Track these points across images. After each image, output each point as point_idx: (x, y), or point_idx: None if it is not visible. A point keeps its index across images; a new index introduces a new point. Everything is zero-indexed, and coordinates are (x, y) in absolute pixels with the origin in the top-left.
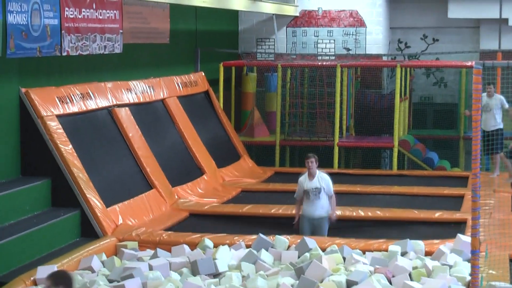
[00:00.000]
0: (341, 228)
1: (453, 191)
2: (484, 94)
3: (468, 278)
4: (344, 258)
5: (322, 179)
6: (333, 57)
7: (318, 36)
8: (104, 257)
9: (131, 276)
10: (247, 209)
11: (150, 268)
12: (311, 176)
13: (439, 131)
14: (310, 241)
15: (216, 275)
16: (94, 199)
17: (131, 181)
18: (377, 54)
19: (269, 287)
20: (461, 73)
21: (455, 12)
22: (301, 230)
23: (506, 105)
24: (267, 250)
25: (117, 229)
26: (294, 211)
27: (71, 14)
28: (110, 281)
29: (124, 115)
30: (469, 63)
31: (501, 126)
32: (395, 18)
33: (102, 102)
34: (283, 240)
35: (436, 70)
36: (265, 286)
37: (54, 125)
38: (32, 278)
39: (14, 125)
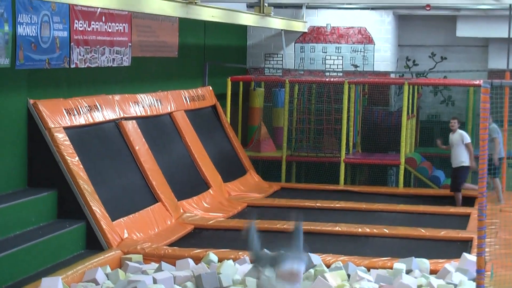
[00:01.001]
0: (346, 245)
1: (459, 210)
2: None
3: None
4: (348, 275)
5: None
6: (341, 74)
7: (326, 52)
8: (108, 269)
9: None
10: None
11: (154, 281)
12: None
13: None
14: (315, 258)
15: None
16: (100, 212)
17: (137, 194)
18: (385, 71)
19: None
20: (468, 92)
21: (463, 30)
22: None
23: (467, 141)
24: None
25: (122, 242)
26: None
27: (81, 27)
28: None
29: (131, 128)
30: (477, 82)
31: (466, 164)
32: (403, 35)
33: (109, 115)
34: None
35: (443, 88)
36: None
37: (61, 137)
38: None
39: (22, 136)
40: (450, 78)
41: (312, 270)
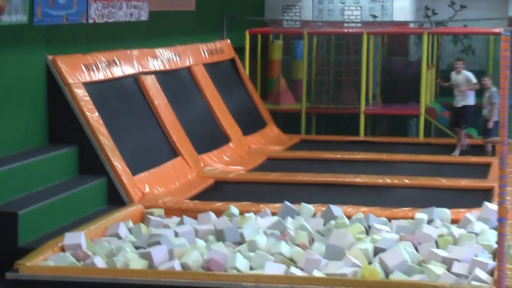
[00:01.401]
0: (367, 196)
1: (480, 159)
2: (453, 72)
3: (495, 246)
4: (369, 227)
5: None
6: (360, 25)
7: (344, 3)
8: (130, 224)
9: (157, 243)
10: (272, 176)
11: (176, 235)
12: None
13: None
14: (336, 209)
15: (242, 243)
16: (121, 167)
17: (157, 149)
18: (404, 21)
19: (294, 252)
20: (489, 40)
21: None
22: None
23: (474, 81)
24: (292, 218)
25: (144, 197)
26: None
27: None
28: (137, 247)
29: (150, 82)
30: (497, 30)
31: (471, 103)
32: None
33: (128, 70)
34: (308, 208)
35: (463, 37)
36: (289, 252)
37: (81, 93)
38: (59, 244)
39: (41, 92)
40: (470, 27)
41: (332, 222)
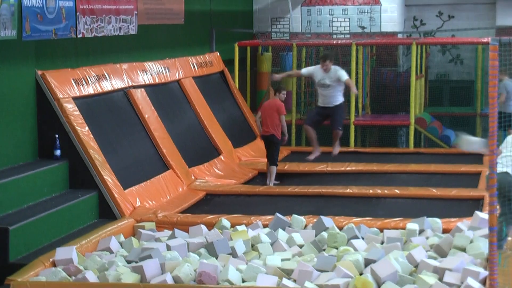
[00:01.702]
0: (358, 206)
1: (470, 168)
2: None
3: (486, 255)
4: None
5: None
6: (348, 36)
7: (333, 15)
8: (122, 238)
9: (149, 257)
10: (263, 188)
11: (168, 248)
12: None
13: (456, 108)
14: (327, 220)
15: (234, 256)
16: (111, 181)
17: (147, 162)
18: (392, 32)
19: (287, 266)
20: (477, 50)
21: None
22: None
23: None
24: (284, 230)
25: (135, 211)
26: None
27: None
28: (129, 261)
29: (140, 96)
30: (485, 40)
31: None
32: None
33: (117, 84)
34: (300, 219)
35: (452, 47)
36: (280, 264)
37: (71, 107)
38: (51, 260)
39: (31, 107)
40: (458, 37)
41: (324, 233)
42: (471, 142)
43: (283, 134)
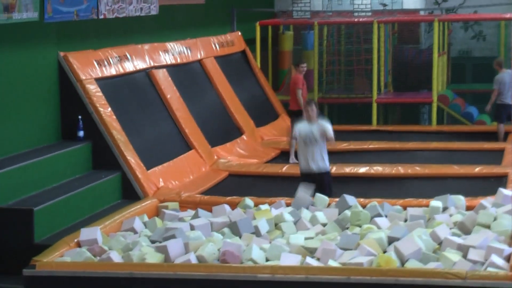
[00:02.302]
0: (381, 185)
1: (494, 145)
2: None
3: (510, 231)
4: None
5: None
6: (370, 13)
7: None
8: (146, 218)
9: (173, 237)
10: (286, 168)
11: (192, 228)
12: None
13: (478, 85)
14: (350, 199)
15: (258, 235)
16: (135, 161)
17: (170, 143)
18: (414, 9)
19: (310, 244)
20: (500, 26)
21: None
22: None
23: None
24: (307, 208)
25: (158, 191)
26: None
27: None
28: (153, 241)
29: (162, 76)
30: (508, 15)
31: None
32: None
33: (139, 64)
34: (323, 198)
35: (474, 24)
36: (304, 243)
37: (93, 88)
38: (75, 240)
39: (53, 89)
40: (480, 13)
41: (347, 211)
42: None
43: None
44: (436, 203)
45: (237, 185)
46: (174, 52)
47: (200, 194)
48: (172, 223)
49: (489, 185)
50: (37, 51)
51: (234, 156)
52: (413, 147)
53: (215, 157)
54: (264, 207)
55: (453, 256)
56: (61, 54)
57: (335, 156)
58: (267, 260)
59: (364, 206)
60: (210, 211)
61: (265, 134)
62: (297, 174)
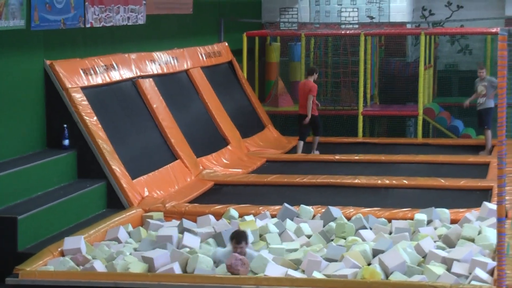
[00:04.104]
0: (366, 197)
1: (479, 158)
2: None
3: (494, 245)
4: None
5: None
6: (357, 26)
7: (341, 5)
8: (130, 228)
9: (162, 247)
10: (271, 178)
11: (179, 239)
12: None
13: (464, 98)
14: (335, 211)
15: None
16: (120, 171)
17: (156, 152)
18: (401, 22)
19: (295, 256)
20: (486, 40)
21: None
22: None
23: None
24: (292, 220)
25: (143, 201)
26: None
27: None
28: (137, 251)
29: (148, 86)
30: (494, 30)
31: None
32: None
33: (126, 74)
34: (308, 209)
35: (460, 38)
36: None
37: (79, 97)
38: (59, 249)
39: (39, 97)
40: (467, 27)
41: (332, 223)
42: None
43: (309, 114)
44: (420, 216)
45: (222, 195)
46: (161, 61)
47: (185, 204)
48: (161, 233)
49: (474, 198)
50: (23, 59)
51: (220, 166)
52: (399, 160)
53: (201, 167)
54: (249, 218)
55: (437, 269)
56: (47, 62)
57: (321, 167)
58: (252, 271)
59: (349, 218)
60: (195, 221)
61: (251, 145)
62: (282, 183)
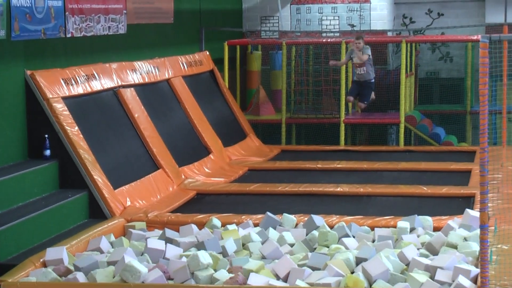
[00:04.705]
0: (349, 205)
1: (461, 166)
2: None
3: (477, 252)
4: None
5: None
6: (338, 34)
7: (322, 13)
8: (112, 238)
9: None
10: (254, 187)
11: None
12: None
13: (446, 106)
14: (318, 219)
15: (224, 255)
16: (101, 181)
17: (137, 162)
18: (382, 30)
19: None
20: (467, 47)
21: None
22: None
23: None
24: (274, 229)
25: (125, 210)
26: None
27: None
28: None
29: (130, 95)
30: (475, 37)
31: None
32: None
33: (107, 83)
34: (290, 218)
35: (441, 45)
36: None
37: (60, 107)
38: (41, 260)
39: (20, 107)
40: (447, 34)
41: (315, 232)
42: None
43: None
44: (403, 223)
45: (204, 205)
46: (142, 71)
47: (168, 213)
48: (139, 243)
49: (456, 205)
50: (3, 69)
51: (202, 175)
52: (381, 167)
53: (183, 176)
54: (232, 227)
55: (421, 277)
56: (28, 72)
57: (303, 175)
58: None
59: (332, 227)
60: (178, 230)
61: (233, 154)
62: (264, 192)
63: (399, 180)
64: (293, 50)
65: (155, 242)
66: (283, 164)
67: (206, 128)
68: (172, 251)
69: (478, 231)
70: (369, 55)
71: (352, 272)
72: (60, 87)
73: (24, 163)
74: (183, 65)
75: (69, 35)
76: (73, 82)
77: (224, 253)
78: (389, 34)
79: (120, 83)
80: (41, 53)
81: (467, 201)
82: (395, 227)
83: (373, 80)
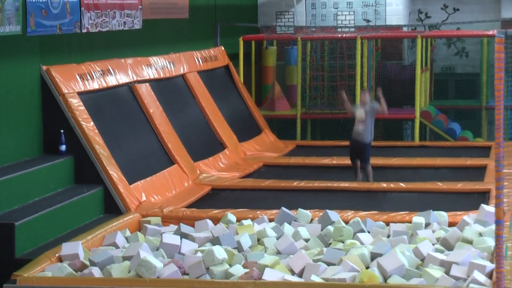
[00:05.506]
0: (364, 201)
1: (476, 161)
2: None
3: (493, 248)
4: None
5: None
6: (353, 29)
7: (337, 8)
8: (128, 233)
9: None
10: (269, 183)
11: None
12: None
13: (461, 101)
14: (333, 214)
15: (240, 250)
16: (117, 176)
17: (153, 157)
18: (397, 25)
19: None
20: (482, 43)
21: None
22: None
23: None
24: (290, 224)
25: (140, 206)
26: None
27: None
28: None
29: (145, 91)
30: (490, 32)
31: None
32: None
33: (122, 78)
34: (306, 213)
35: (457, 40)
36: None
37: (76, 102)
38: (57, 255)
39: (36, 103)
40: (463, 30)
41: (330, 227)
42: None
43: None
44: (418, 219)
45: (219, 200)
46: (157, 66)
47: (183, 209)
48: (154, 238)
49: (472, 201)
50: (19, 65)
51: (217, 170)
52: (396, 163)
53: (198, 171)
54: (247, 222)
55: (436, 272)
56: (44, 67)
57: (318, 171)
58: None
59: (347, 222)
60: (193, 226)
61: (248, 149)
62: (279, 187)
63: (415, 176)
64: (308, 46)
65: (170, 237)
66: (298, 159)
67: (221, 123)
68: (187, 246)
69: (493, 226)
70: (376, 109)
71: (367, 268)
72: (76, 83)
73: (40, 158)
74: (198, 60)
75: (84, 31)
76: (88, 77)
77: (239, 248)
78: (405, 29)
79: (135, 79)
80: (57, 49)
81: (483, 197)
82: (410, 222)
83: (368, 142)
